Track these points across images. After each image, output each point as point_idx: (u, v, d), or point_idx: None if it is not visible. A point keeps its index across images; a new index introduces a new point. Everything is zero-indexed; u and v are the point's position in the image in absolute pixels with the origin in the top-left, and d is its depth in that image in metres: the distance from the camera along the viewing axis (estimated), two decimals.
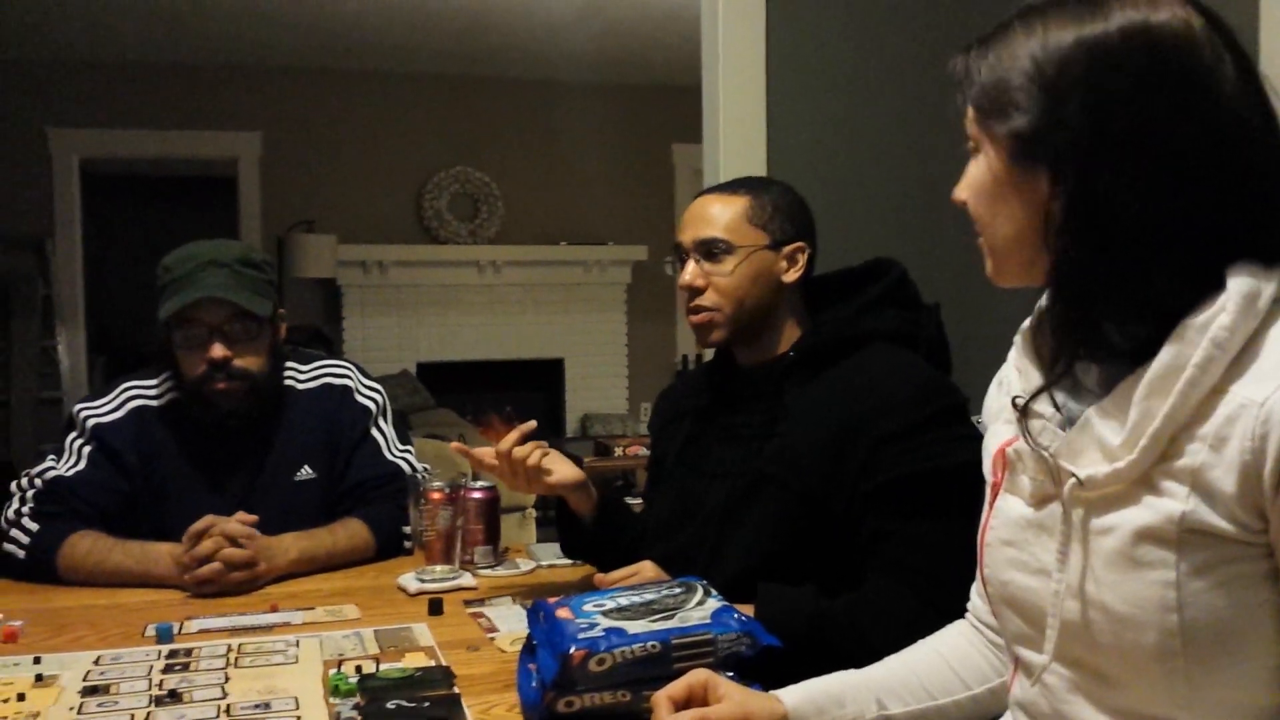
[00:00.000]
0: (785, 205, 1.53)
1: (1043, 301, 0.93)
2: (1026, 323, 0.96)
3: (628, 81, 6.45)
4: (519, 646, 1.28)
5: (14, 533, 1.70)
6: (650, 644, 1.06)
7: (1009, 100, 0.84)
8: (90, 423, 1.80)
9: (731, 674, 1.05)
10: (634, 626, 1.09)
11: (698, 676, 1.00)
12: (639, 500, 1.88)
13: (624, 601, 1.15)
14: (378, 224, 6.21)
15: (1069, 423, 0.87)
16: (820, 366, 1.46)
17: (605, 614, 1.13)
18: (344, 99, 6.10)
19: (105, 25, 5.10)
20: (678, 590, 1.16)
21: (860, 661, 1.07)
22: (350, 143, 6.13)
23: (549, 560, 1.80)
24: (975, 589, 1.07)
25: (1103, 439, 0.82)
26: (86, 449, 1.78)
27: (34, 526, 1.69)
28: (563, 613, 1.14)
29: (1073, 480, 0.84)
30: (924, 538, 1.33)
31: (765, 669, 1.09)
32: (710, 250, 1.49)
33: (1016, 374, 0.95)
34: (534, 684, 1.12)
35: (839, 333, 1.47)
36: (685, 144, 6.27)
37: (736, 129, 2.40)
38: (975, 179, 0.89)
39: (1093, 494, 0.83)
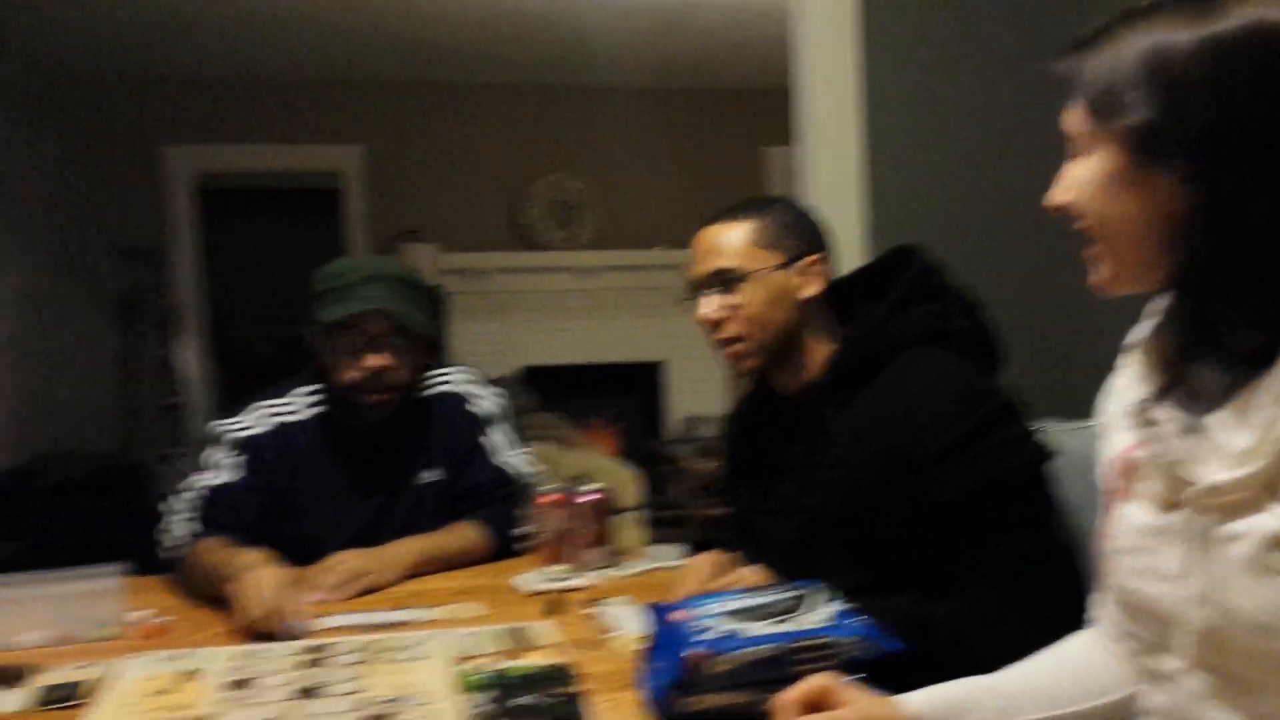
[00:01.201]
0: (791, 220, 1.51)
1: (1161, 305, 0.92)
2: (1143, 326, 0.95)
3: (718, 85, 6.46)
4: (637, 646, 1.31)
5: (172, 535, 1.79)
6: (770, 647, 1.08)
7: (1126, 98, 0.83)
8: (234, 436, 1.89)
9: (861, 675, 1.05)
10: (753, 629, 1.11)
11: (821, 680, 1.00)
12: None
13: (742, 604, 1.17)
14: (478, 232, 6.33)
15: (1191, 429, 0.86)
16: (855, 384, 1.43)
17: (724, 616, 1.15)
18: (442, 110, 6.24)
19: (216, 44, 5.30)
20: (797, 593, 1.18)
21: (961, 673, 1.06)
22: (449, 153, 6.26)
23: (663, 561, 1.82)
24: (1099, 597, 1.06)
25: (1228, 445, 0.82)
26: (232, 460, 1.87)
27: (184, 529, 1.78)
28: (681, 614, 1.17)
29: (1198, 487, 0.83)
30: (1002, 552, 1.31)
31: (881, 676, 1.09)
32: (723, 280, 1.48)
33: (1135, 379, 0.94)
34: (656, 684, 1.14)
35: (867, 347, 1.44)
36: (777, 146, 6.25)
37: (829, 129, 2.40)
38: (1085, 180, 0.88)
39: (1218, 500, 0.83)
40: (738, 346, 1.50)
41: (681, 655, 1.09)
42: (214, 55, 5.50)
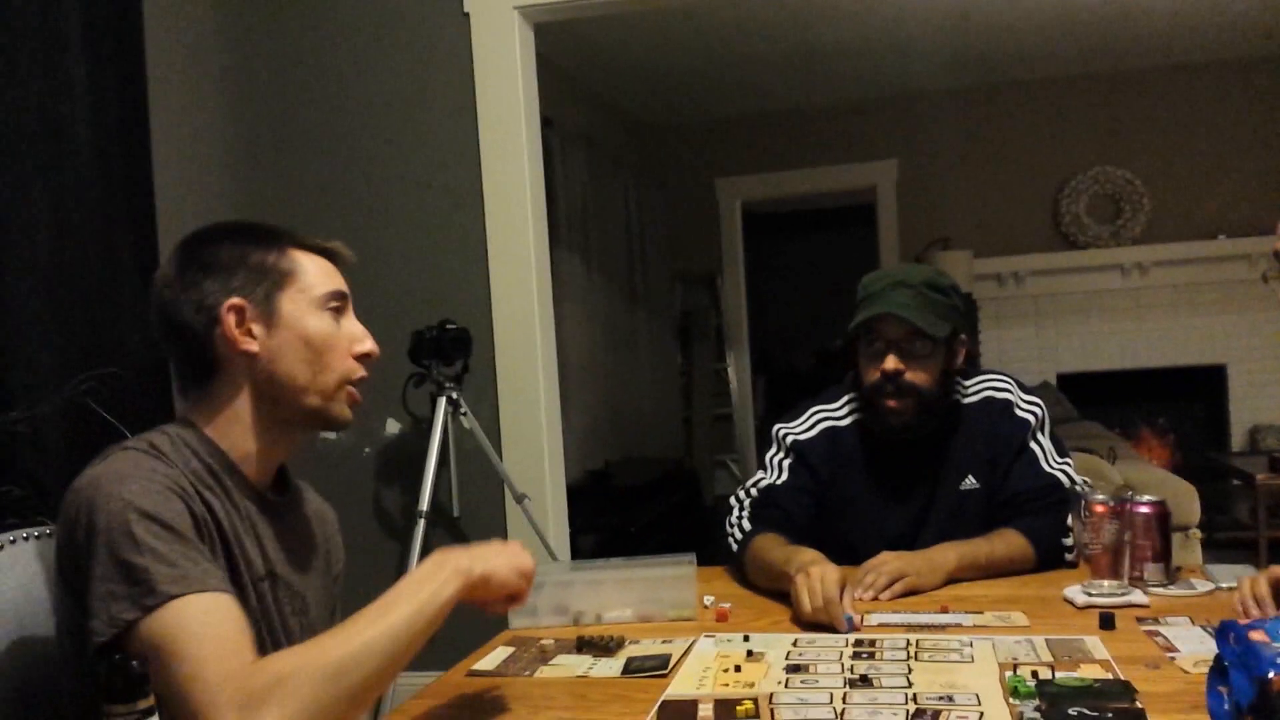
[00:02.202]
0: None
1: None
2: None
3: None
4: (1203, 668, 1.22)
5: (734, 530, 1.98)
6: None
7: None
8: (789, 440, 2.03)
9: None
10: None
11: None
12: None
13: None
14: (1012, 234, 6.15)
15: None
16: None
17: None
18: (974, 115, 6.15)
19: (757, 82, 5.71)
20: None
21: None
22: (982, 157, 6.16)
23: (1229, 582, 1.67)
24: None
25: None
26: (787, 462, 2.02)
27: (747, 526, 1.96)
28: (1258, 635, 1.07)
29: None
30: None
31: None
32: None
33: None
34: (1226, 707, 1.07)
35: None
36: None
37: None
38: None
39: None
40: None
41: (1261, 678, 1.00)
42: (760, 91, 5.94)
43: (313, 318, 1.29)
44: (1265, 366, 5.86)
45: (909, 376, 1.88)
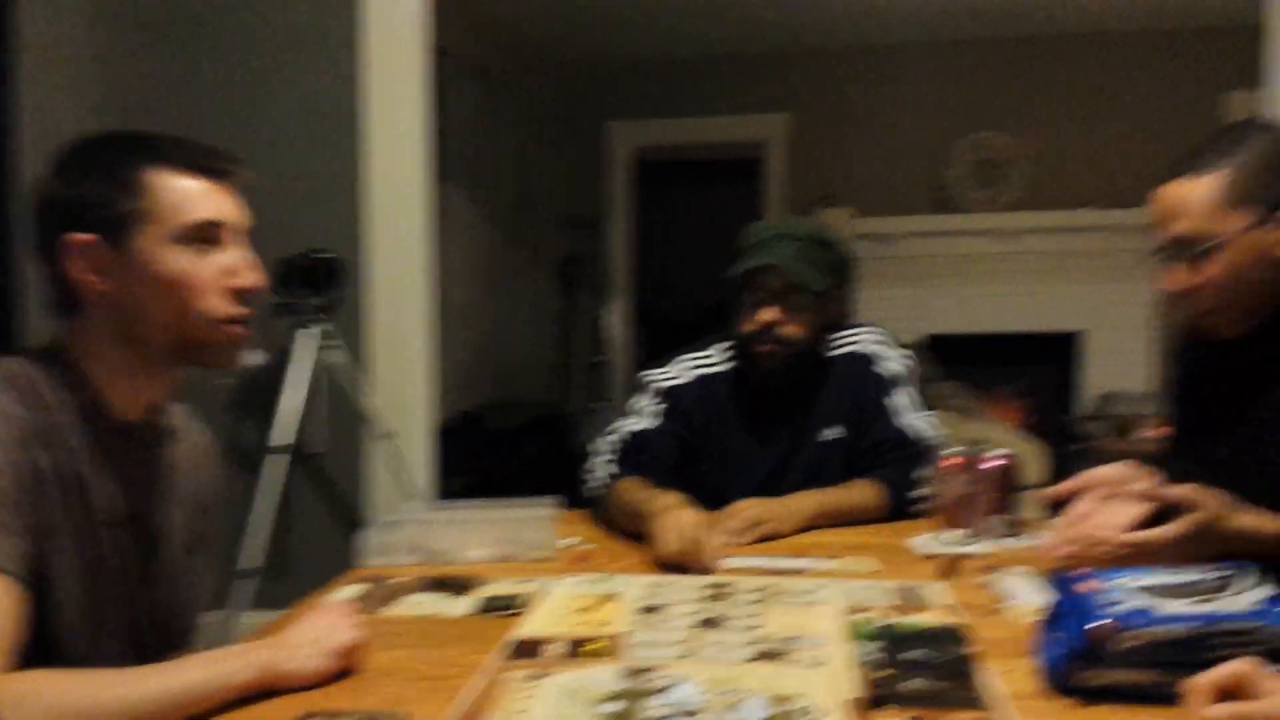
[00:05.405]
0: (1274, 160, 1.29)
1: None
2: None
3: (1168, 26, 5.87)
4: (1034, 616, 1.27)
5: (596, 474, 1.98)
6: (1185, 627, 1.01)
7: None
8: (660, 386, 2.03)
9: None
10: (1169, 606, 1.04)
11: (1241, 667, 0.93)
12: None
13: (1161, 580, 1.10)
14: (893, 195, 6.24)
15: None
16: None
17: (1137, 590, 1.09)
18: (865, 74, 6.19)
19: (657, 24, 5.63)
20: (1226, 573, 1.08)
21: None
22: (871, 117, 6.22)
23: None
24: None
25: None
26: (655, 408, 2.01)
27: (611, 470, 1.96)
28: (1090, 585, 1.12)
29: None
30: None
31: None
32: (1188, 248, 1.31)
33: None
34: (1056, 653, 1.10)
35: None
36: (1240, 91, 5.56)
37: None
38: None
39: None
40: (1209, 320, 1.36)
41: (1086, 627, 1.04)
42: (659, 34, 5.85)
43: (168, 255, 1.16)
44: (1121, 335, 6.12)
45: (784, 329, 1.90)
